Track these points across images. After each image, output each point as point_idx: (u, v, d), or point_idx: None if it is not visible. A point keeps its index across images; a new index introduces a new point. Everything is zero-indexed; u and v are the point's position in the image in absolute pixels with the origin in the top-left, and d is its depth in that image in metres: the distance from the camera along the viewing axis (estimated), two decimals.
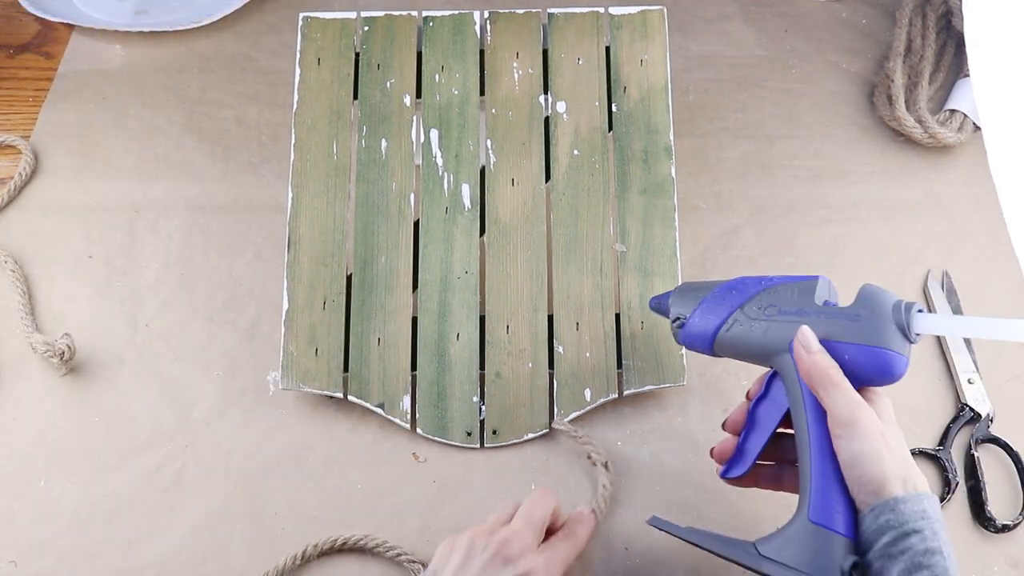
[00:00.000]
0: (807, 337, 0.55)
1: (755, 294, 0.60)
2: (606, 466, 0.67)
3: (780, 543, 0.53)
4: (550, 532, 0.60)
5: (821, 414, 0.54)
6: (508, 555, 0.55)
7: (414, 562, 0.63)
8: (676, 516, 0.66)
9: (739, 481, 0.59)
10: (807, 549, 0.52)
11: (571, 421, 0.69)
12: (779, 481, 0.60)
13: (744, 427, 0.59)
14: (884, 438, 0.52)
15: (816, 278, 0.58)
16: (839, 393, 0.53)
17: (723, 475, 0.59)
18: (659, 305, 0.67)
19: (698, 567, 0.64)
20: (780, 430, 0.58)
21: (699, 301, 0.62)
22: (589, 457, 0.68)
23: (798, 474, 0.55)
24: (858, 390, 0.54)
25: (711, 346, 0.61)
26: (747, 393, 0.61)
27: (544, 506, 0.59)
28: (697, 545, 0.58)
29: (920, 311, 0.54)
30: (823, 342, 0.55)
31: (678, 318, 0.63)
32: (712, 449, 0.61)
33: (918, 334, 0.54)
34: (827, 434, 0.53)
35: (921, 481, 0.52)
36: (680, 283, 0.70)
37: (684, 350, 0.70)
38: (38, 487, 0.68)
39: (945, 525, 0.51)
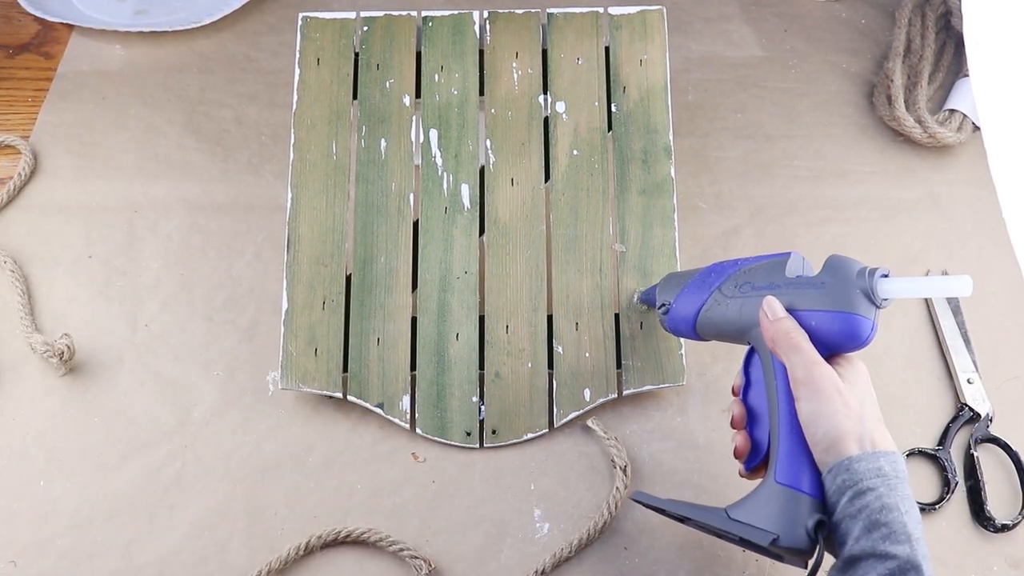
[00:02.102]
0: (771, 305, 0.57)
1: (731, 274, 0.62)
2: (624, 470, 0.67)
3: (750, 506, 0.55)
4: None
5: (787, 378, 0.55)
6: None
7: (416, 558, 0.64)
8: None
9: (761, 472, 0.59)
10: (774, 509, 0.53)
11: (570, 422, 0.70)
12: None
13: (747, 420, 0.60)
14: (842, 396, 0.53)
15: (788, 254, 0.60)
16: (798, 355, 0.54)
17: (746, 470, 0.59)
18: (648, 297, 0.70)
19: (700, 568, 0.64)
20: None
21: (682, 287, 0.64)
22: (612, 460, 0.68)
23: None
24: (831, 357, 0.56)
25: (694, 328, 0.63)
26: (732, 389, 0.62)
27: None
28: (675, 515, 0.59)
29: (885, 276, 0.55)
30: (791, 311, 0.57)
31: (663, 305, 0.66)
32: (735, 450, 0.60)
33: (885, 299, 0.55)
34: (792, 397, 0.55)
35: (881, 439, 0.53)
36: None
37: (683, 350, 0.70)
38: (38, 487, 0.68)
39: (908, 480, 0.52)
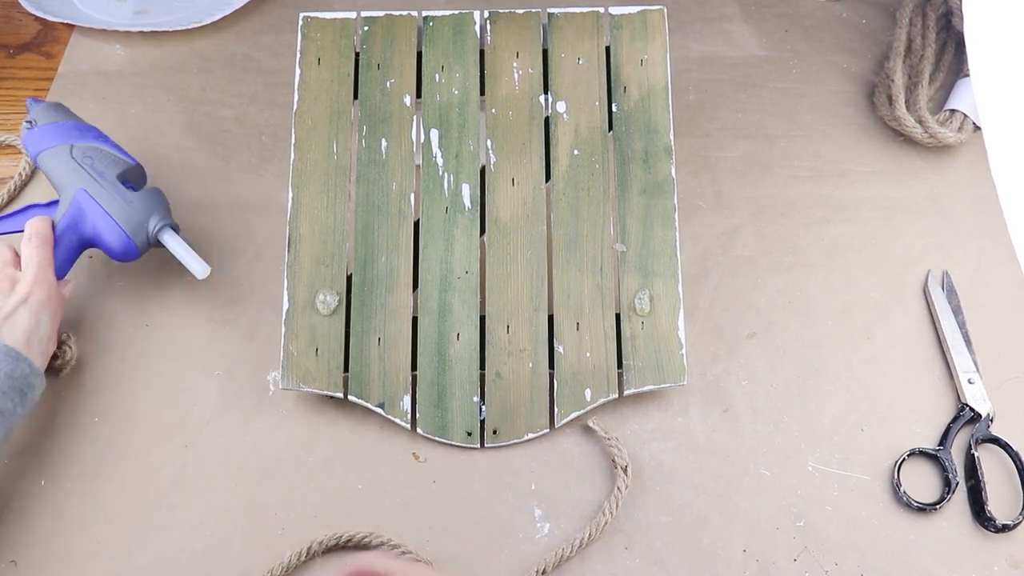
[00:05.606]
0: (35, 227, 0.68)
1: (91, 142, 0.71)
2: (625, 470, 0.67)
3: None
4: None
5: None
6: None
7: (418, 561, 0.63)
8: (676, 516, 0.66)
9: None
10: None
11: (571, 422, 0.70)
12: None
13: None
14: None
15: (133, 163, 0.72)
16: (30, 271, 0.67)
17: None
18: (32, 105, 0.74)
19: (700, 568, 0.64)
20: None
21: (57, 120, 0.71)
22: (612, 460, 0.68)
23: None
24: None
25: (36, 158, 0.72)
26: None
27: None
28: None
29: (174, 229, 0.71)
30: (96, 201, 0.69)
31: (32, 121, 0.72)
32: None
33: (158, 244, 0.70)
34: None
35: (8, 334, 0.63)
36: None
37: (684, 350, 0.70)
38: (39, 487, 0.68)
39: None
